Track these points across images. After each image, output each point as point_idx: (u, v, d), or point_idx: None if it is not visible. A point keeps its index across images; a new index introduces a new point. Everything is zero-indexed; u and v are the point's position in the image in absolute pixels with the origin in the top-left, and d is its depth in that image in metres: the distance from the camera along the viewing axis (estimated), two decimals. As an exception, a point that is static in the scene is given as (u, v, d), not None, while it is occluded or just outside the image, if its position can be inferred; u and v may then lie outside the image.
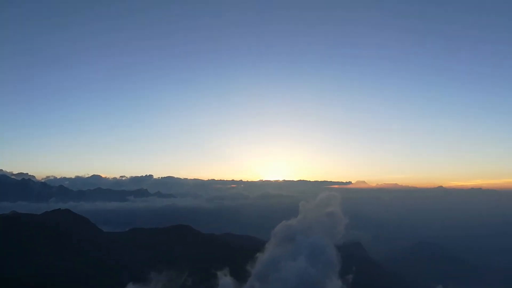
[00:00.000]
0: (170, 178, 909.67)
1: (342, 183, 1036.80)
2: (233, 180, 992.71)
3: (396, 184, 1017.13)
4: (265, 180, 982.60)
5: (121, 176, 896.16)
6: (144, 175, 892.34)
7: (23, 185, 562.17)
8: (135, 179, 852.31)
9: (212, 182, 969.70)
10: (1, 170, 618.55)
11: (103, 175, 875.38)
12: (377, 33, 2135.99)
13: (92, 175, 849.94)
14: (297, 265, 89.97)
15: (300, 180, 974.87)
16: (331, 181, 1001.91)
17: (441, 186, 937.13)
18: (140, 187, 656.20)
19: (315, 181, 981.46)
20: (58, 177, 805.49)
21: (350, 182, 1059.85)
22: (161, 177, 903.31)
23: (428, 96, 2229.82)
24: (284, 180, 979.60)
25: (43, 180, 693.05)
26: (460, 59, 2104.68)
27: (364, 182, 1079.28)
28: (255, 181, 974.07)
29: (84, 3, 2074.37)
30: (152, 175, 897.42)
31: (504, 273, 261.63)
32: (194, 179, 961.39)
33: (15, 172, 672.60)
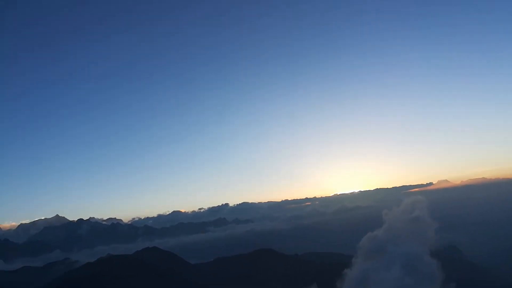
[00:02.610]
0: (245, 203, 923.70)
1: (422, 185, 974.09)
2: (306, 198, 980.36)
3: (484, 178, 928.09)
4: (340, 194, 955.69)
5: (199, 209, 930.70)
6: (220, 204, 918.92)
7: (113, 229, 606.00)
8: (213, 210, 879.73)
9: (286, 202, 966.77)
10: (94, 217, 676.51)
11: (182, 210, 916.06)
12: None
13: (172, 212, 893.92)
14: (392, 276, 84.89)
15: (377, 188, 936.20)
16: (410, 185, 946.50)
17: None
18: (218, 216, 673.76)
19: (393, 187, 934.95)
20: (142, 218, 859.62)
21: (431, 183, 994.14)
22: (237, 204, 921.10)
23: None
24: (360, 191, 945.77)
25: (129, 222, 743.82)
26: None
27: (446, 181, 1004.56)
28: (329, 196, 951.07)
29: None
30: (228, 203, 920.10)
31: None
32: (268, 201, 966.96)
33: (105, 218, 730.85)
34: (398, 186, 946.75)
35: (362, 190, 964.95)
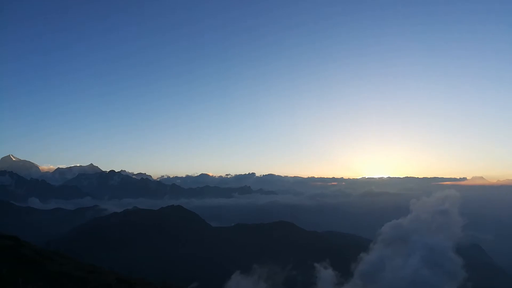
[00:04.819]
0: (271, 175, 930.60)
1: (455, 179, 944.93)
2: (333, 177, 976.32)
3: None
4: (368, 178, 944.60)
5: (226, 175, 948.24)
6: (247, 173, 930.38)
7: (142, 184, 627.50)
8: (239, 177, 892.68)
9: (312, 179, 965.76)
10: (125, 171, 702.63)
11: (210, 174, 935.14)
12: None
13: (200, 174, 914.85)
14: (410, 266, 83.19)
15: (407, 177, 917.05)
16: (442, 177, 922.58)
17: None
18: (244, 184, 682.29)
19: (423, 177, 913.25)
20: (171, 176, 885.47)
21: (465, 178, 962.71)
22: (263, 175, 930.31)
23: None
24: (389, 177, 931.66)
25: (158, 179, 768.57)
26: None
27: (482, 178, 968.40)
28: (357, 179, 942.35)
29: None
30: (254, 173, 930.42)
31: None
32: (294, 176, 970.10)
33: (135, 172, 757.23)
34: (429, 177, 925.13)
35: (391, 176, 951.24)
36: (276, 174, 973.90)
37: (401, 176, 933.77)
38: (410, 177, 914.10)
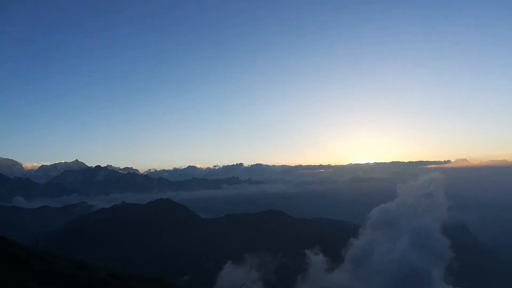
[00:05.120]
0: (259, 165, 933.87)
1: (439, 162, 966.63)
2: (320, 165, 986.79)
3: (505, 161, 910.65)
4: (355, 164, 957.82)
5: (214, 166, 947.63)
6: (235, 163, 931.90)
7: (129, 178, 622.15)
8: (227, 168, 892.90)
9: (300, 167, 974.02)
10: (111, 165, 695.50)
11: (197, 166, 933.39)
12: None
13: (188, 166, 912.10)
14: (398, 249, 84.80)
15: (393, 161, 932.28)
16: (427, 161, 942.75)
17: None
18: (232, 175, 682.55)
19: (409, 161, 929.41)
20: (158, 170, 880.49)
21: (449, 161, 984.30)
22: (251, 165, 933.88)
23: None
24: (375, 163, 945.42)
25: (145, 173, 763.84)
26: None
27: (465, 160, 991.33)
28: (344, 165, 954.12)
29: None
30: (242, 164, 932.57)
31: None
32: (282, 165, 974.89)
33: (122, 167, 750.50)
34: (414, 161, 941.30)
35: (377, 161, 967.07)
36: (264, 163, 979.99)
37: (387, 161, 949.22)
38: (396, 161, 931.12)
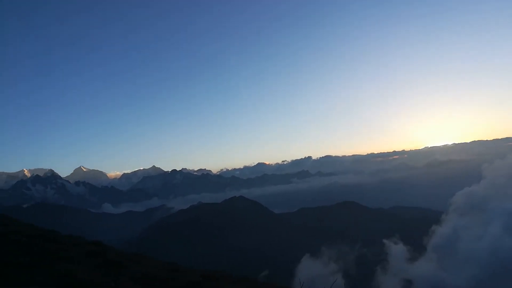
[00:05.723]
0: (328, 157, 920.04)
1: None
2: (394, 151, 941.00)
3: None
4: (431, 147, 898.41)
5: (282, 161, 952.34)
6: (303, 157, 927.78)
7: (203, 179, 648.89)
8: (296, 162, 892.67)
9: (372, 156, 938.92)
10: (186, 168, 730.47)
11: (266, 162, 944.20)
12: None
13: (257, 164, 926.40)
14: (490, 235, 78.41)
15: (474, 141, 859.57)
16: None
17: None
18: (301, 169, 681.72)
19: (494, 139, 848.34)
20: (229, 169, 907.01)
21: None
22: (320, 157, 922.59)
23: None
24: (454, 144, 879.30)
25: (218, 173, 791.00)
26: None
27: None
28: (419, 149, 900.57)
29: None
30: (311, 157, 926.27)
31: None
32: (353, 155, 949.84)
33: (195, 168, 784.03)
34: (500, 138, 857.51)
35: (456, 142, 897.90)
36: (333, 155, 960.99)
37: (468, 141, 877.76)
38: (478, 140, 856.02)
